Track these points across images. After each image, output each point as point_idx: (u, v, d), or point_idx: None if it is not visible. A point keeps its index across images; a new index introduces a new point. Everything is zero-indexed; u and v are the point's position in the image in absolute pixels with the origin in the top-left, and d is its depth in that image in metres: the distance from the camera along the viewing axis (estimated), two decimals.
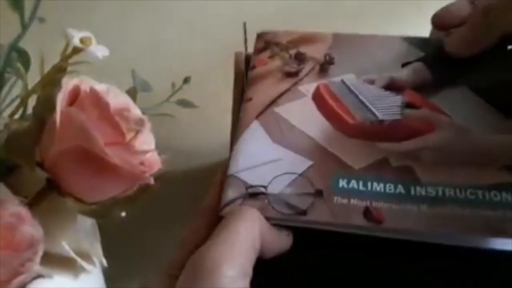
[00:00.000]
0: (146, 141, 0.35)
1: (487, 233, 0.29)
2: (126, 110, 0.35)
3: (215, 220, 0.30)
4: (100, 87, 0.35)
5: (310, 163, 0.32)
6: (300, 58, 0.39)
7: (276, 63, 0.39)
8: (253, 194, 0.31)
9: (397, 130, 0.34)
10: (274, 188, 0.31)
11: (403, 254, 0.31)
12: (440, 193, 0.31)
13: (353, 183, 0.31)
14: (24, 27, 0.38)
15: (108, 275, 0.42)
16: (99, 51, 0.38)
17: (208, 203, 0.32)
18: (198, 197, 0.32)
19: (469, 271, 0.31)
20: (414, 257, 0.31)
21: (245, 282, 0.27)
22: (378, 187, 0.31)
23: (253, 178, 0.32)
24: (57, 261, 0.34)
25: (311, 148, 0.33)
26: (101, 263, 0.37)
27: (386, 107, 0.35)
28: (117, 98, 0.35)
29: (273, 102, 0.36)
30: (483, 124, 0.34)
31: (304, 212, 0.30)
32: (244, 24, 0.42)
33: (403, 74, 0.37)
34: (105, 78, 0.36)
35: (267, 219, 0.30)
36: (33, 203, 0.34)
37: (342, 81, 0.37)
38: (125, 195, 0.35)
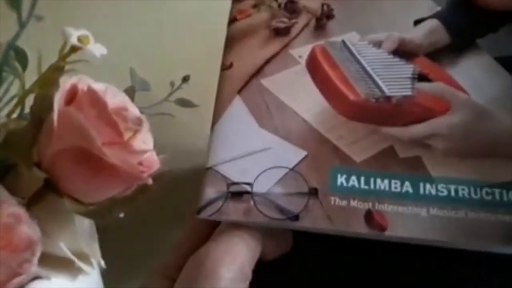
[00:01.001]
0: (144, 141, 0.35)
1: (507, 242, 0.25)
2: (124, 109, 0.35)
3: (213, 222, 0.29)
4: (98, 86, 0.35)
5: (303, 154, 0.28)
6: (292, 9, 0.33)
7: (262, 15, 0.33)
8: (236, 193, 0.28)
9: (406, 111, 0.29)
10: (261, 186, 0.27)
11: (408, 253, 0.28)
12: (452, 192, 0.27)
13: (354, 180, 0.27)
14: (22, 25, 0.38)
15: (107, 275, 0.42)
16: (97, 49, 0.38)
17: None
18: (197, 197, 0.32)
19: (478, 272, 0.29)
20: (419, 257, 0.29)
21: (245, 284, 0.26)
22: (382, 184, 0.27)
23: (236, 172, 0.28)
24: (55, 262, 0.34)
25: (305, 134, 0.29)
26: (99, 264, 0.37)
27: (395, 79, 0.30)
28: (115, 97, 0.35)
29: (259, 70, 0.31)
30: (508, 106, 0.29)
31: (296, 217, 0.27)
32: None
33: (416, 35, 0.32)
34: (103, 77, 0.36)
35: (253, 224, 0.27)
36: (31, 204, 0.34)
37: (343, 43, 0.32)
38: (123, 195, 0.35)
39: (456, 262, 0.29)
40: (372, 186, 0.27)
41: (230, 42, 0.33)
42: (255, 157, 0.28)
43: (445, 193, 0.27)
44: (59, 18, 0.42)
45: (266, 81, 0.31)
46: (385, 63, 0.31)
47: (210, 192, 0.28)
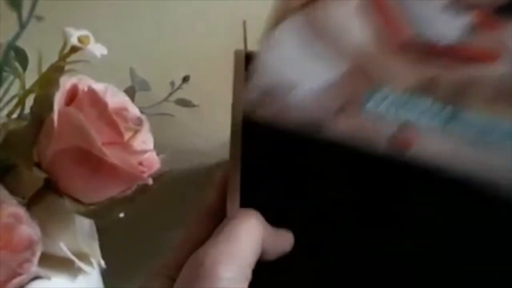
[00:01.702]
0: (144, 141, 0.35)
1: None
2: (124, 109, 0.35)
3: (213, 222, 0.29)
4: (98, 86, 0.35)
5: (343, 71, 0.29)
6: None
7: None
8: (275, 94, 0.29)
9: (454, 55, 0.30)
10: (298, 93, 0.29)
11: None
12: (487, 126, 0.27)
13: (388, 101, 0.29)
14: (22, 25, 0.38)
15: (107, 275, 0.42)
16: (97, 50, 0.38)
17: (207, 205, 0.31)
18: (197, 197, 0.32)
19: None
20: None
21: (244, 284, 0.26)
22: (416, 109, 0.28)
23: (279, 76, 0.29)
24: (55, 262, 0.34)
25: (350, 55, 0.30)
26: (99, 264, 0.37)
27: (450, 25, 0.30)
28: (115, 98, 0.35)
29: None
30: None
31: (323, 126, 0.28)
32: (244, 22, 0.42)
33: None
34: (103, 77, 0.36)
35: (283, 123, 0.28)
36: (31, 204, 0.34)
37: None
38: (123, 195, 0.35)
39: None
40: (406, 109, 0.28)
41: None
42: (300, 65, 0.30)
43: (480, 127, 0.27)
44: (59, 18, 0.42)
45: (323, 7, 0.32)
46: (443, 10, 0.31)
47: (253, 87, 0.30)
